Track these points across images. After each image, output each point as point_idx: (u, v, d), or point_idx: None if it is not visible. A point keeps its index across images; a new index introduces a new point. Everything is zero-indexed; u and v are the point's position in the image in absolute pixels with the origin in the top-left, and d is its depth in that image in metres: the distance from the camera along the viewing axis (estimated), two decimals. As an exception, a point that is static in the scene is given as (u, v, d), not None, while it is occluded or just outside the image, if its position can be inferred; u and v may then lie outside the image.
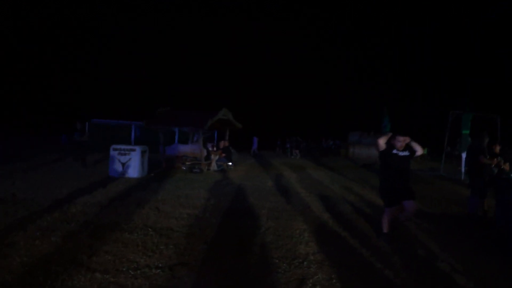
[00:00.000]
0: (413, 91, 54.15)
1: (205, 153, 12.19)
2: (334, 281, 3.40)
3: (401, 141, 4.79)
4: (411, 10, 64.52)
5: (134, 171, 9.48)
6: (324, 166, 16.12)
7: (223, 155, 12.68)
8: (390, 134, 5.01)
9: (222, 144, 13.50)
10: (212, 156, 12.43)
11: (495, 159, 6.53)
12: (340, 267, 3.75)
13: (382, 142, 4.85)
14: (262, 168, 13.68)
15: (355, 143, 23.56)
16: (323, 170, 14.19)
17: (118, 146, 9.72)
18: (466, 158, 9.87)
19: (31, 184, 7.57)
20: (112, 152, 9.62)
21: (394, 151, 4.79)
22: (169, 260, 3.70)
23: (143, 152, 9.88)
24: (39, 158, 12.68)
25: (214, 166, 12.19)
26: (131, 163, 9.50)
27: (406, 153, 4.83)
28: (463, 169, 12.83)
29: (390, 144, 4.87)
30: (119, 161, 9.48)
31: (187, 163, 11.88)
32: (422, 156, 23.37)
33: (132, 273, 3.33)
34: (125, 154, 9.51)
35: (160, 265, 3.55)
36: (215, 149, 13.08)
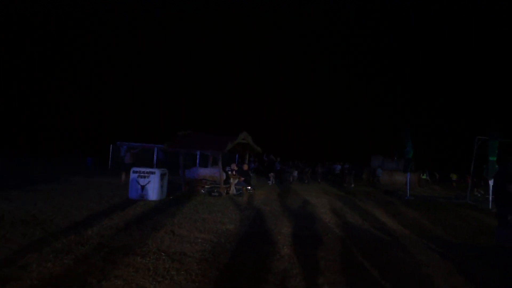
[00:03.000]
0: (437, 116, 53.28)
1: (224, 176, 12.18)
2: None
3: None
4: (440, 31, 64.01)
5: (153, 194, 9.53)
6: (344, 191, 15.81)
7: (242, 179, 12.63)
8: None
9: (234, 166, 13.49)
10: (231, 180, 12.40)
11: None
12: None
13: None
14: (281, 193, 13.51)
15: (378, 168, 23.08)
16: (342, 195, 13.89)
17: (138, 169, 9.83)
18: (493, 186, 9.49)
19: (52, 205, 7.70)
20: (132, 175, 9.73)
21: None
22: (179, 286, 3.63)
23: (162, 175, 9.95)
24: (63, 180, 12.98)
25: (233, 190, 12.14)
26: (150, 186, 9.57)
27: None
28: (490, 197, 12.34)
29: None
30: (139, 183, 9.57)
31: (206, 186, 11.88)
32: (420, 180, 22.62)
33: (140, 299, 3.28)
34: (144, 177, 9.60)
35: (170, 291, 3.49)
36: (234, 173, 13.05)
